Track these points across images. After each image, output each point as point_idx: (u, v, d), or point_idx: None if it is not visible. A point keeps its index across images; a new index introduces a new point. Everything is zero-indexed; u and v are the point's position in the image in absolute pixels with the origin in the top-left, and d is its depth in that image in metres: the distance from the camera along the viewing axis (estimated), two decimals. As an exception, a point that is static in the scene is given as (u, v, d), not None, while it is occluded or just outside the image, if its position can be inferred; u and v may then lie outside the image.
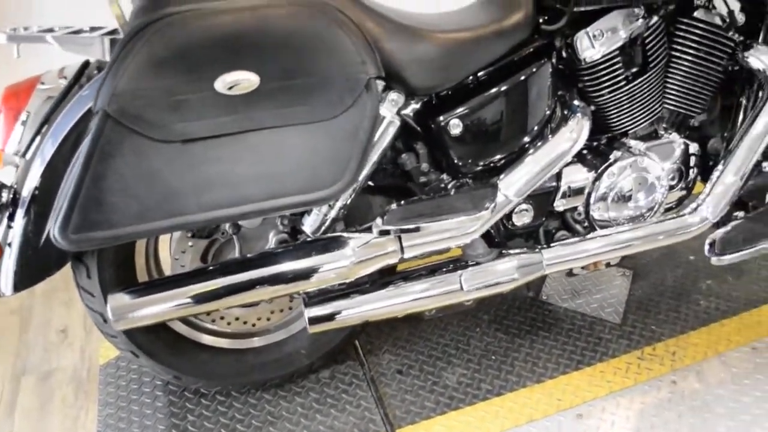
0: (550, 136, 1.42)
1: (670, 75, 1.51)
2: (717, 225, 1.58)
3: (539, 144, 1.42)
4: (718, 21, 1.50)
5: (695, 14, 1.47)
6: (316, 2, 1.14)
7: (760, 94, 1.53)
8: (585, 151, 1.53)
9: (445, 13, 1.45)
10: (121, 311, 1.25)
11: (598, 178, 1.49)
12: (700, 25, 1.47)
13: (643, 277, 1.85)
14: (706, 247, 1.55)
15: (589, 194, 1.50)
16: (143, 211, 1.06)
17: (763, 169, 1.60)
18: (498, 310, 1.84)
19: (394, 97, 1.30)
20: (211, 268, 1.33)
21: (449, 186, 1.44)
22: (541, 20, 1.40)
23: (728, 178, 1.51)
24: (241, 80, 1.08)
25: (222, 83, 1.08)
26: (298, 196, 1.14)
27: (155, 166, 1.06)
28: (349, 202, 1.36)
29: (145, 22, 1.05)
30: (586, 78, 1.44)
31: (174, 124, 1.06)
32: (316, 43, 1.12)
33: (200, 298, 1.28)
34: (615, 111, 1.47)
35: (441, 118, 1.35)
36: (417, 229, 1.34)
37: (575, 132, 1.41)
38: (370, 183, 1.41)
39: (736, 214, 1.61)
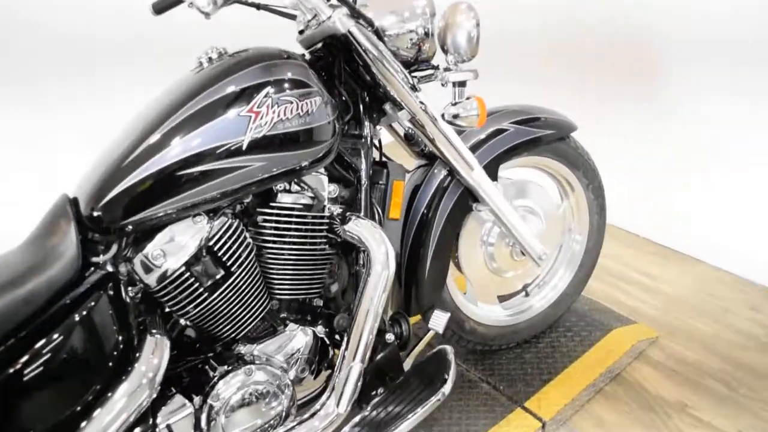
0: (124, 376, 1.23)
1: (268, 266, 1.40)
2: (361, 406, 1.47)
3: (110, 392, 1.20)
4: (305, 201, 1.43)
5: (277, 199, 1.39)
6: None
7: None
8: (189, 371, 1.36)
9: None
10: None
11: (203, 404, 1.31)
12: (284, 210, 1.39)
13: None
14: None
15: (198, 421, 1.32)
16: None
17: (388, 341, 1.53)
18: None
19: None
20: None
21: None
22: (91, 252, 1.24)
23: (352, 359, 1.41)
24: None
25: None
26: None
27: None
28: None
29: None
30: (163, 299, 1.28)
31: None
32: None
33: None
34: (210, 322, 1.32)
35: None
36: None
37: (156, 359, 1.22)
38: None
39: (374, 392, 1.50)
